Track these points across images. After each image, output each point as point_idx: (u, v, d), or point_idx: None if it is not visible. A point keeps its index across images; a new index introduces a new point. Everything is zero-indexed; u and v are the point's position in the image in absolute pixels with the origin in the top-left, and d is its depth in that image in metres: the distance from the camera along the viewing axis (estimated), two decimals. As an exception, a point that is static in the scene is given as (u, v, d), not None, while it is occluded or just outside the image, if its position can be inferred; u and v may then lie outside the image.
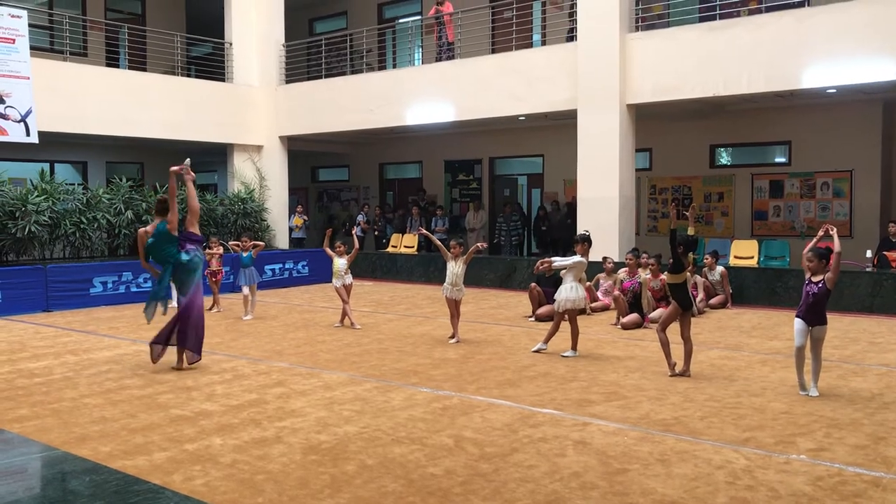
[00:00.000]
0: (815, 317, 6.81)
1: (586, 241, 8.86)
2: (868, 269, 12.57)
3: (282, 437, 5.69)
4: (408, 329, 10.68)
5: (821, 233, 7.20)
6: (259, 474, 4.93)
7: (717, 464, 5.04)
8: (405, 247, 18.43)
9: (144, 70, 17.77)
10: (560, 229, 17.31)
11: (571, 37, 14.92)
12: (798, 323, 6.89)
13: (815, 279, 6.84)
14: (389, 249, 18.82)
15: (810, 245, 7.07)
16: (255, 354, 8.93)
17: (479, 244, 9.86)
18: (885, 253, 12.83)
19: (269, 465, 5.11)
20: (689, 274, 7.96)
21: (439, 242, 10.18)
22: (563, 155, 16.44)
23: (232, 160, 18.94)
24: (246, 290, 11.88)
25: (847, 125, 15.11)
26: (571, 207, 16.55)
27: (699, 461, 5.09)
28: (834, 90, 13.05)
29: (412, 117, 16.79)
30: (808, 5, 13.01)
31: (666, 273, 8.24)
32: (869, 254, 12.98)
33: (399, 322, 11.37)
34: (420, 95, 16.61)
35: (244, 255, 12.01)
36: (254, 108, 18.86)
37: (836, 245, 6.83)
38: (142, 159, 21.69)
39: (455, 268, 9.57)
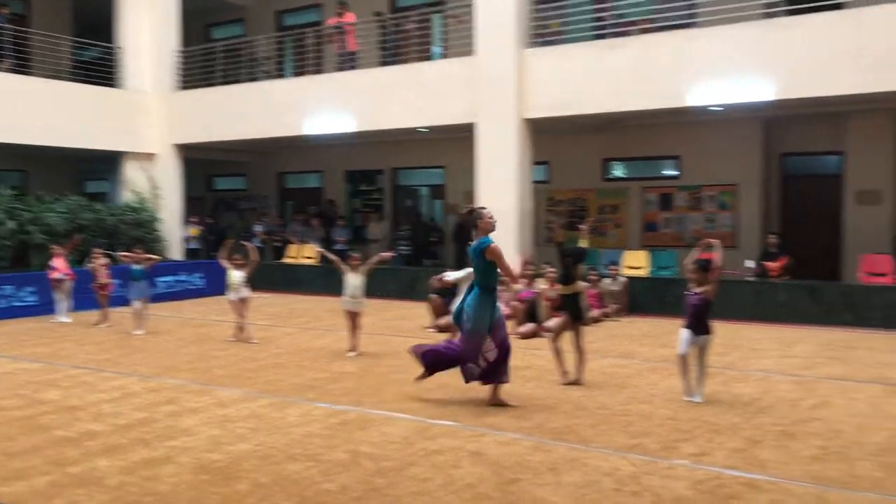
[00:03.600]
0: (699, 326, 7.13)
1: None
2: (749, 279, 13.24)
3: (172, 457, 5.54)
4: (306, 343, 10.56)
5: (701, 245, 7.55)
6: (147, 496, 4.78)
7: (606, 471, 5.21)
8: (305, 258, 18.21)
9: (29, 74, 16.95)
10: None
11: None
12: (684, 332, 7.20)
13: (697, 290, 7.16)
14: (288, 260, 18.55)
15: (692, 257, 7.40)
16: (145, 371, 8.64)
17: (384, 254, 9.87)
18: (764, 263, 13.54)
19: (159, 486, 4.96)
20: (581, 284, 8.19)
21: (333, 257, 10.12)
22: (464, 167, 16.62)
23: (123, 169, 18.27)
24: (137, 303, 11.48)
25: (732, 141, 15.88)
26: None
27: (588, 469, 5.25)
28: (719, 108, 13.70)
29: (312, 127, 16.65)
30: (696, 26, 13.63)
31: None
32: (750, 264, 13.67)
33: (297, 336, 11.23)
34: (320, 105, 16.48)
35: (136, 268, 11.61)
36: (146, 114, 18.26)
37: (717, 257, 7.17)
38: (26, 167, 20.64)
39: (355, 279, 9.54)
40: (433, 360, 7.32)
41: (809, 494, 4.77)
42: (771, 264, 13.43)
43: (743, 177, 15.97)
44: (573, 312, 7.89)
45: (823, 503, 4.63)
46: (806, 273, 13.93)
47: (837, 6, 12.50)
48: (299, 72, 18.01)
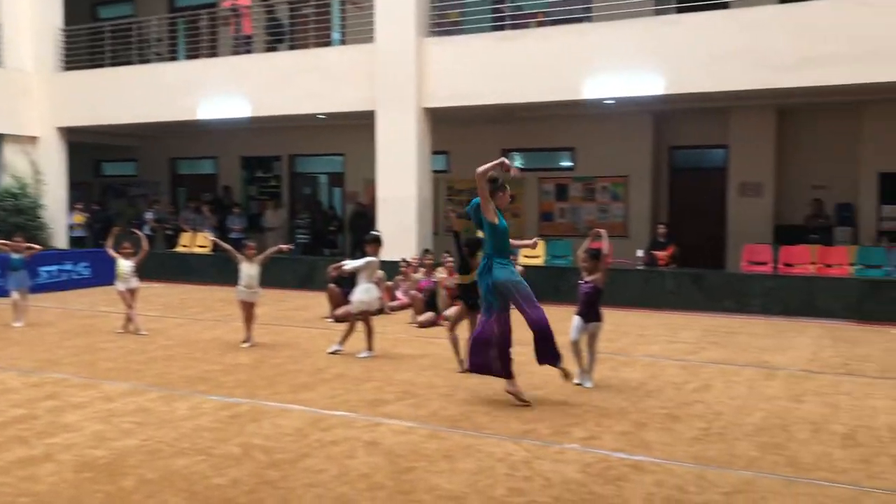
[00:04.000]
0: (589, 313, 7.34)
1: (376, 241, 8.97)
2: (639, 267, 13.71)
3: (52, 455, 5.29)
4: (198, 334, 10.28)
5: (592, 235, 7.76)
6: (23, 497, 4.55)
7: (499, 456, 5.29)
8: (198, 246, 17.70)
9: None
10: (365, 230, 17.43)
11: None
12: (575, 319, 7.39)
13: (588, 278, 7.36)
14: (180, 249, 17.99)
15: (583, 246, 7.60)
16: (25, 365, 8.22)
17: (283, 245, 9.72)
18: (653, 252, 14.05)
19: (36, 486, 4.73)
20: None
21: (227, 246, 9.88)
22: (364, 154, 16.50)
23: (2, 152, 17.27)
24: (16, 294, 10.90)
25: (624, 134, 16.38)
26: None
27: (482, 455, 5.32)
28: (612, 101, 14.09)
29: (206, 112, 16.17)
30: (590, 21, 13.95)
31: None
32: (640, 253, 14.16)
33: (189, 326, 10.92)
34: (214, 89, 16.03)
35: (15, 257, 11.00)
36: (27, 95, 17.32)
37: (605, 247, 7.39)
38: None
39: (250, 269, 9.35)
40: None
41: (690, 474, 4.98)
42: (659, 253, 13.95)
43: (634, 169, 16.51)
44: (470, 301, 7.97)
45: (703, 482, 4.85)
46: (693, 262, 14.55)
47: (724, 5, 13.07)
48: (193, 55, 17.44)
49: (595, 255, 7.43)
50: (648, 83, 12.74)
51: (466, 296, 7.99)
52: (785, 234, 15.01)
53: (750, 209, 15.51)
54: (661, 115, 16.26)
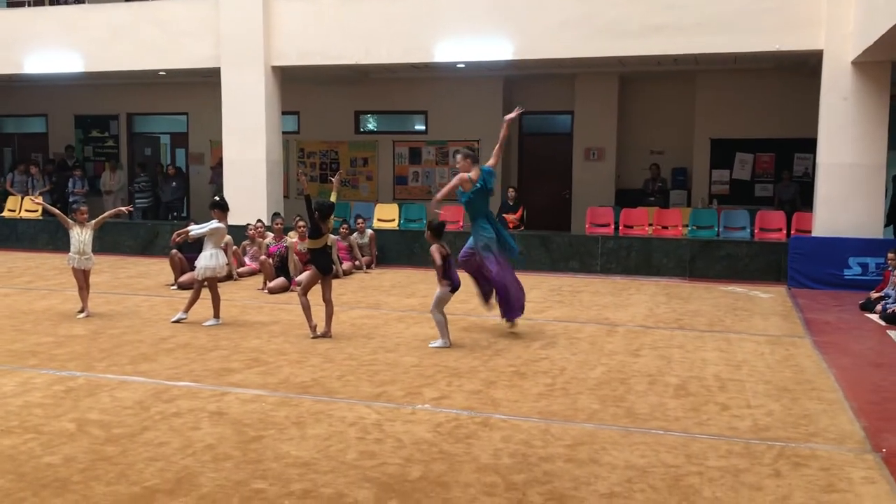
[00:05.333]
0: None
1: (219, 206, 8.65)
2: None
3: None
4: (28, 304, 9.58)
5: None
6: None
7: (350, 421, 5.27)
8: (26, 211, 16.44)
9: None
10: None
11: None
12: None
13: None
14: (7, 214, 16.64)
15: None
16: None
17: (122, 208, 9.18)
18: (503, 215, 14.35)
19: None
20: (331, 237, 8.17)
21: (56, 210, 9.22)
22: (210, 114, 15.83)
23: None
24: None
25: (475, 98, 16.55)
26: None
27: (333, 420, 5.28)
28: (463, 65, 14.19)
29: (32, 65, 14.94)
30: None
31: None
32: (491, 216, 14.43)
33: (18, 297, 10.16)
34: (42, 41, 14.82)
35: None
36: None
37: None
38: None
39: (82, 235, 8.77)
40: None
41: (536, 428, 5.16)
42: (509, 216, 14.28)
43: (485, 133, 16.72)
44: (322, 266, 7.86)
45: (548, 436, 5.02)
46: (541, 224, 15.00)
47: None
48: (17, 1, 16.01)
49: (438, 229, 7.52)
50: (498, 48, 12.91)
51: (318, 260, 7.86)
52: (625, 197, 15.78)
53: (593, 173, 16.16)
54: (512, 81, 16.54)
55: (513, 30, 12.78)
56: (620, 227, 14.13)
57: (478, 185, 8.05)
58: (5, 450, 4.67)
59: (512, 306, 8.12)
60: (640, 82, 16.14)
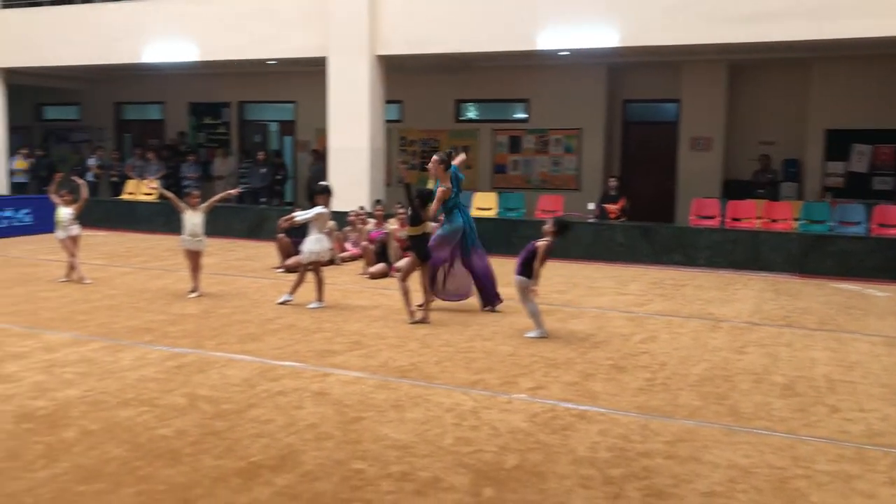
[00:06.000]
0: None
1: (326, 191, 8.85)
2: (591, 220, 13.81)
3: (-10, 406, 5.16)
4: (144, 283, 10.09)
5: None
6: (-41, 449, 4.44)
7: (447, 407, 5.32)
8: (144, 194, 17.28)
9: None
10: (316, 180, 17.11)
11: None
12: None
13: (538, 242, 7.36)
14: (126, 197, 17.56)
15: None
16: (-38, 314, 7.98)
17: (231, 190, 9.56)
18: (604, 206, 14.15)
19: (-27, 437, 4.62)
20: (431, 225, 8.25)
21: (170, 194, 9.64)
22: (316, 103, 16.21)
23: (-65, 92, 16.56)
24: (-48, 241, 10.54)
25: (578, 86, 16.34)
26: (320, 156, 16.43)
27: (431, 405, 5.35)
28: (566, 52, 14.01)
29: (151, 55, 15.66)
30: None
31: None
32: (591, 206, 14.25)
33: (135, 276, 10.71)
34: (161, 31, 15.51)
35: (-51, 202, 10.62)
36: (-39, 34, 16.55)
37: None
38: None
39: (193, 217, 9.15)
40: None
41: (635, 423, 5.08)
42: (610, 206, 14.06)
43: (587, 121, 16.52)
44: (421, 253, 7.95)
45: (646, 431, 4.94)
46: (643, 215, 14.70)
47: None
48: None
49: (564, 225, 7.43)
50: (603, 35, 12.68)
51: (418, 247, 7.95)
52: (733, 189, 15.26)
53: (700, 164, 15.69)
54: (616, 68, 16.24)
55: (618, 16, 12.53)
56: (727, 220, 13.69)
57: (455, 190, 8.45)
58: (123, 421, 4.95)
59: (490, 294, 8.63)
60: (750, 70, 15.55)
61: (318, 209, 8.71)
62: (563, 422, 5.08)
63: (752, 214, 13.60)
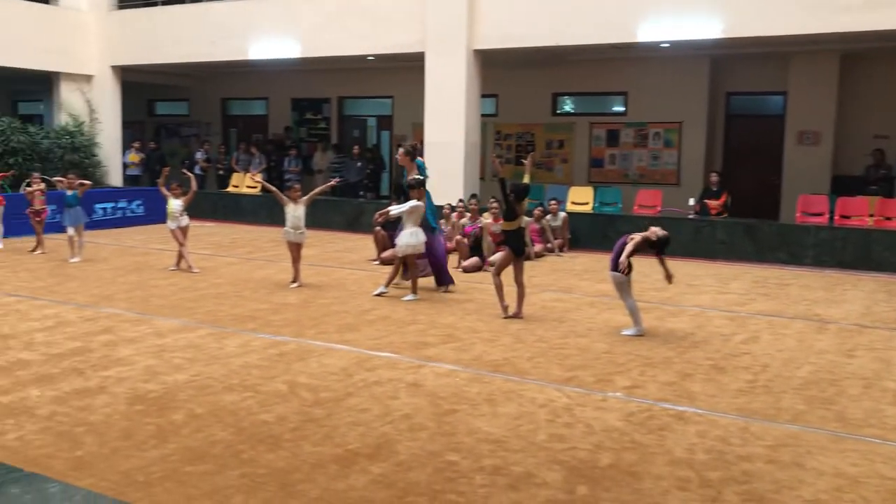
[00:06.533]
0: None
1: (421, 185, 8.96)
2: (691, 217, 13.46)
3: (106, 387, 5.47)
4: (248, 273, 10.45)
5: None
6: (79, 426, 4.73)
7: (541, 402, 5.31)
8: (248, 187, 17.89)
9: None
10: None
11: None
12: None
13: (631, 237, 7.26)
14: (231, 189, 18.21)
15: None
16: (81, 300, 8.47)
17: (330, 182, 9.86)
18: (706, 201, 13.76)
19: (91, 416, 4.91)
20: (525, 220, 8.24)
21: (273, 188, 9.94)
22: (413, 97, 16.39)
23: (58, 90, 17.57)
24: (71, 230, 11.17)
25: (678, 78, 15.93)
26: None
27: (524, 400, 5.35)
28: (667, 44, 13.68)
29: (256, 52, 16.17)
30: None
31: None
32: (692, 202, 13.89)
33: (240, 266, 11.11)
34: (264, 29, 16.00)
35: (69, 193, 11.26)
36: (83, 34, 17.49)
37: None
38: (-46, 85, 19.75)
39: (296, 210, 9.42)
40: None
41: (734, 426, 4.94)
42: (711, 202, 13.66)
43: (688, 114, 16.08)
44: (515, 247, 7.94)
45: (747, 434, 4.80)
46: (746, 212, 14.23)
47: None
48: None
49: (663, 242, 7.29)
50: (706, 26, 12.31)
51: (512, 242, 7.95)
52: (843, 185, 14.55)
53: (807, 158, 15.03)
54: (719, 60, 15.75)
55: (722, 6, 12.14)
56: (836, 217, 13.09)
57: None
58: (228, 405, 5.16)
59: (445, 276, 9.36)
60: (864, 60, 14.78)
61: (413, 203, 8.82)
62: (660, 422, 4.99)
63: (863, 212, 12.96)
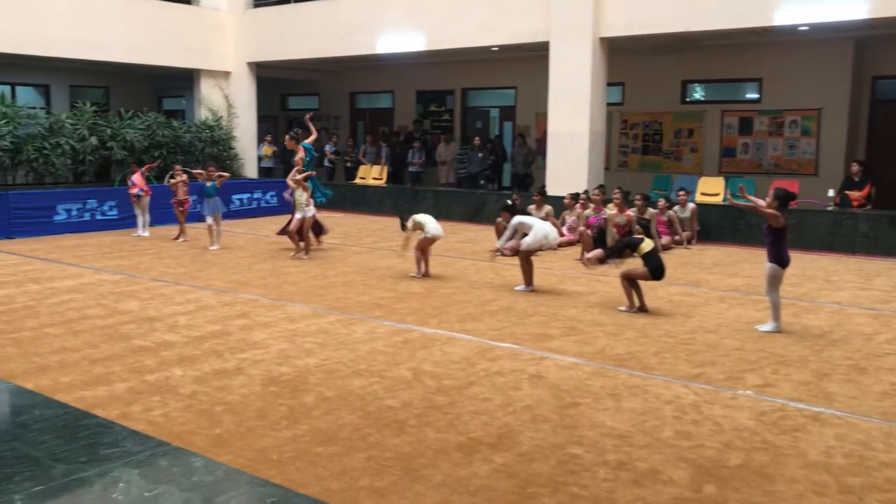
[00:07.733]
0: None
1: (509, 209, 9.15)
2: (830, 208, 12.76)
3: (242, 369, 5.76)
4: (374, 262, 10.72)
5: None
6: (218, 405, 5.00)
7: (667, 399, 5.19)
8: (374, 179, 18.32)
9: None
10: (524, 166, 17.19)
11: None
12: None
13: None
14: (358, 181, 18.70)
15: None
16: (220, 285, 8.94)
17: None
18: (846, 192, 13.00)
19: (229, 396, 5.18)
20: (651, 211, 8.03)
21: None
22: (536, 87, 16.29)
23: (199, 86, 18.55)
24: (210, 219, 11.79)
25: (818, 63, 15.09)
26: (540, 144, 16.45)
27: (649, 396, 5.24)
28: (806, 27, 13.00)
29: (383, 46, 16.50)
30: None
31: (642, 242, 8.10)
32: (832, 193, 13.15)
33: (366, 255, 11.40)
34: (391, 23, 16.29)
35: (208, 184, 11.88)
36: (221, 32, 18.39)
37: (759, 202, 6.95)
38: (107, 83, 21.17)
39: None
40: None
41: (877, 430, 4.67)
42: (853, 193, 12.89)
43: (828, 101, 15.21)
44: (653, 270, 7.71)
45: (891, 439, 4.53)
46: (892, 203, 13.35)
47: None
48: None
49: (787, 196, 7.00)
50: (849, 7, 11.59)
51: (651, 263, 7.67)
52: None
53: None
54: (864, 42, 14.80)
55: (869, -15, 11.40)
56: None
57: (307, 159, 11.29)
58: (356, 389, 5.32)
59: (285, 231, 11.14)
60: None
61: (516, 221, 8.75)
62: (794, 423, 4.78)
63: None
